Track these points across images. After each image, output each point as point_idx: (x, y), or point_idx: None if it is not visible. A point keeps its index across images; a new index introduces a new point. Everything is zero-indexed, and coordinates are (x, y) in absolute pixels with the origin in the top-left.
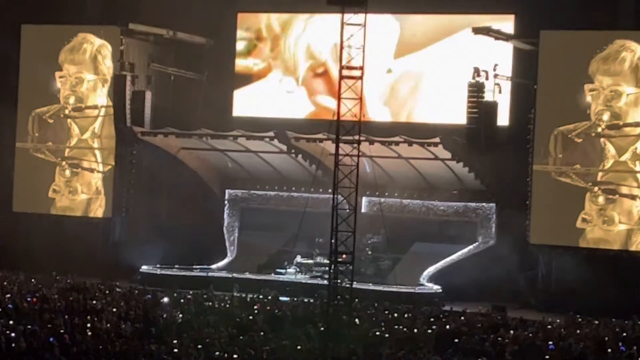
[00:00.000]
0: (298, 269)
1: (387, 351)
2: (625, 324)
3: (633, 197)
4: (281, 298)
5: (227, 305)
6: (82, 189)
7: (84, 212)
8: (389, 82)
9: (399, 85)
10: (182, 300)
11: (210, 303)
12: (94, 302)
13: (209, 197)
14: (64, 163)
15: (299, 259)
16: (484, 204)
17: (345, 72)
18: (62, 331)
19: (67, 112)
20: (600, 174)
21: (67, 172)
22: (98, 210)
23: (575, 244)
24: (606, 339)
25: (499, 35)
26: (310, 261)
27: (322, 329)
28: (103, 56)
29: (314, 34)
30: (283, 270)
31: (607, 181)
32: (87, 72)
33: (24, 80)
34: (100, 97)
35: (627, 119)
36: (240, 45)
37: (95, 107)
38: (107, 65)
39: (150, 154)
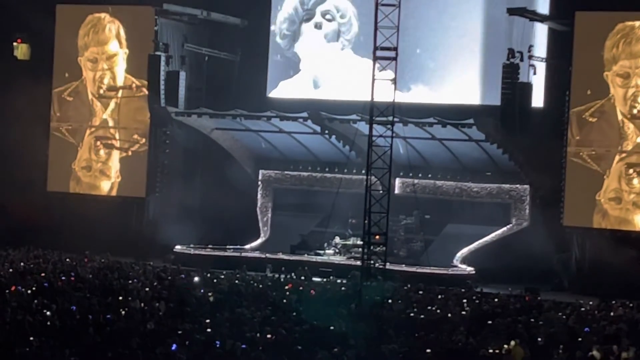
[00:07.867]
0: (337, 250)
1: (420, 332)
2: None
3: None
4: (314, 279)
5: (260, 286)
6: (114, 169)
7: (117, 191)
8: (422, 63)
9: (433, 66)
10: (215, 280)
11: (244, 283)
12: (128, 281)
13: (243, 177)
14: (98, 143)
15: (337, 240)
16: (517, 185)
17: (379, 53)
18: (96, 310)
19: (102, 92)
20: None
21: (101, 152)
22: (129, 189)
23: (607, 225)
24: None
25: (534, 16)
26: (349, 242)
27: (354, 309)
28: (123, 34)
29: None
30: (322, 252)
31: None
32: (115, 50)
33: (58, 59)
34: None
35: None
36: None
37: (129, 86)
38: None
39: (184, 134)
